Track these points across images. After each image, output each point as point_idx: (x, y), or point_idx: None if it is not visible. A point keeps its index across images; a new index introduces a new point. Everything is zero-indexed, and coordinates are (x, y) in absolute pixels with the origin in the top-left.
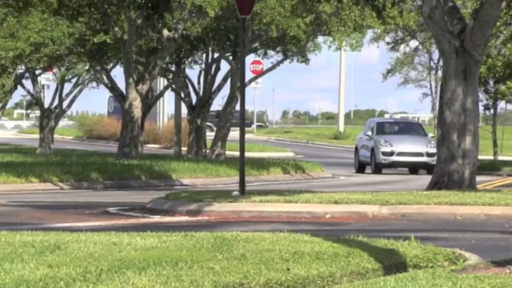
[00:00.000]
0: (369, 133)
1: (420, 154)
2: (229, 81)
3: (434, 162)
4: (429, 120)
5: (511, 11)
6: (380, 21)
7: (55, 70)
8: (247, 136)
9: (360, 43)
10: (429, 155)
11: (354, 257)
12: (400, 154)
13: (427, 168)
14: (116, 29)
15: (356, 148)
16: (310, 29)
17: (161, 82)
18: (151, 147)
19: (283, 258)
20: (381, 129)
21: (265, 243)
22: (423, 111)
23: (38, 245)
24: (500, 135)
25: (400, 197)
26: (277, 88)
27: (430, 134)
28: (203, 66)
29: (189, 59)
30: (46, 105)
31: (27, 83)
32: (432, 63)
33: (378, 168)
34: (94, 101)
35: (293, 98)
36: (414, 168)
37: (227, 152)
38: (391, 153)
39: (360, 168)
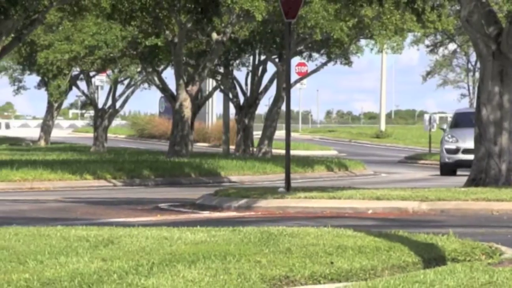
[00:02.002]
0: (444, 126)
1: None
2: (275, 82)
3: None
4: None
5: None
6: (420, 25)
7: (108, 71)
8: (292, 135)
9: (401, 46)
10: None
11: (395, 251)
12: (466, 151)
13: None
14: (167, 32)
15: None
16: (353, 33)
17: (210, 83)
18: (201, 146)
19: (327, 252)
20: (458, 121)
21: (309, 238)
22: None
23: (92, 239)
24: None
25: (439, 194)
26: (321, 89)
27: None
28: (250, 68)
29: (237, 61)
30: (100, 105)
31: (82, 84)
32: (469, 65)
33: (443, 169)
34: (146, 102)
35: (336, 98)
36: None
37: (274, 150)
38: (455, 151)
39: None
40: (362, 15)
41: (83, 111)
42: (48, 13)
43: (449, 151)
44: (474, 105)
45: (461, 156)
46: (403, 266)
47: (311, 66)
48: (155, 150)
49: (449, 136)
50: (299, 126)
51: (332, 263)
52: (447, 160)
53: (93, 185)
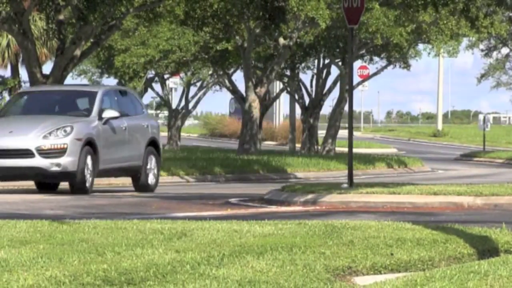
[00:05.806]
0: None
1: (26, 153)
2: (338, 84)
3: (58, 168)
4: None
5: None
6: (474, 30)
7: (181, 74)
8: (354, 134)
9: (457, 50)
10: (46, 154)
11: (451, 243)
12: None
13: (41, 176)
14: (237, 37)
15: None
16: (412, 38)
17: (277, 85)
18: (268, 144)
19: (387, 244)
20: (15, 105)
21: (371, 231)
22: None
23: (166, 232)
24: None
25: (493, 189)
26: (382, 91)
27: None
28: (315, 71)
29: (303, 65)
30: (173, 106)
31: (157, 86)
32: None
33: None
34: (217, 102)
35: (396, 99)
36: (16, 178)
37: (337, 148)
38: None
39: None
40: (420, 21)
41: (158, 111)
42: (125, 20)
43: None
44: None
45: None
46: (459, 257)
47: (372, 69)
48: (226, 148)
49: None
50: (361, 126)
51: (392, 254)
52: None
53: (167, 181)
